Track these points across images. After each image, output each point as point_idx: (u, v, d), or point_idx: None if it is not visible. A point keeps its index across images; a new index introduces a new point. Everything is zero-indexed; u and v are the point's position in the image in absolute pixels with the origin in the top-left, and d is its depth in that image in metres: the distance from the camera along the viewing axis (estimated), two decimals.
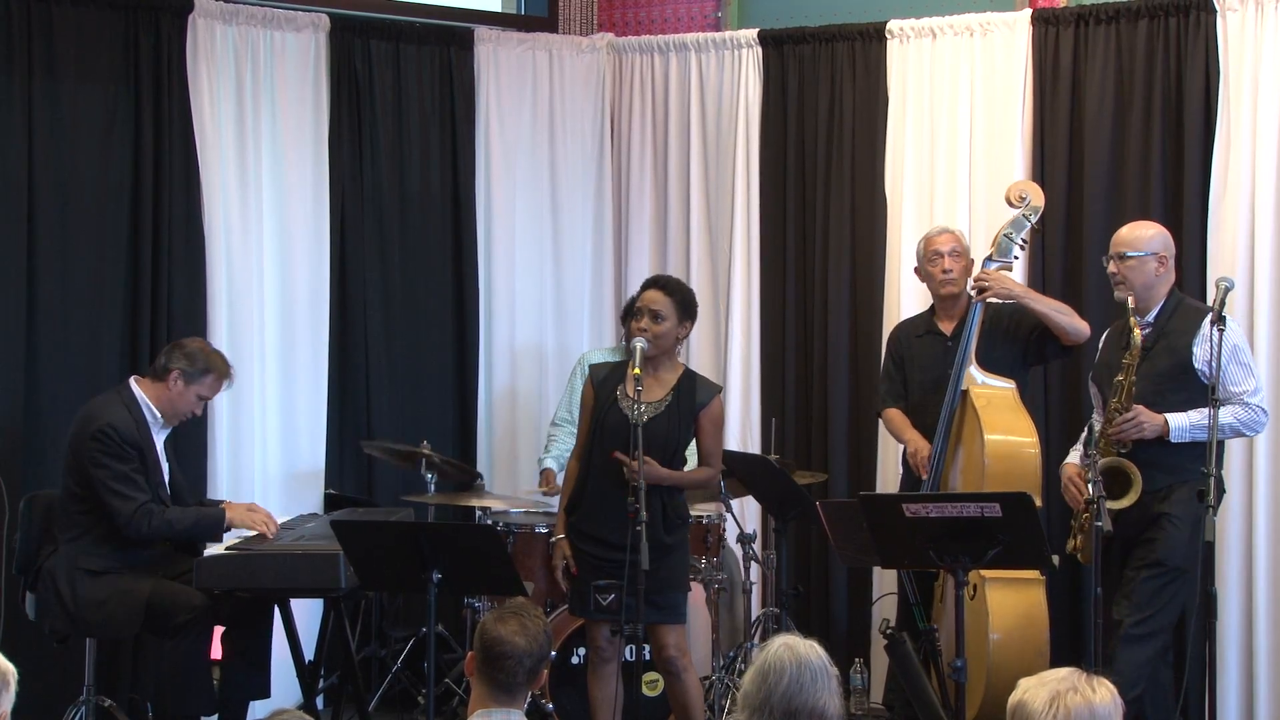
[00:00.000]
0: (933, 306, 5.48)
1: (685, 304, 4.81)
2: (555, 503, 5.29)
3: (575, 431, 5.29)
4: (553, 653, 4.61)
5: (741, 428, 6.40)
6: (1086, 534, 4.59)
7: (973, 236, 5.74)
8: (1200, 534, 4.41)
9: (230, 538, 4.87)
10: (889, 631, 4.49)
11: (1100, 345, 5.08)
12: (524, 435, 6.54)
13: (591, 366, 5.01)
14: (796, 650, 2.87)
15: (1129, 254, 4.82)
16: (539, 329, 6.63)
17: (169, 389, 4.82)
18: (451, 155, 6.45)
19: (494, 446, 6.54)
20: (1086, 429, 4.80)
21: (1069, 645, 5.27)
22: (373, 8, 6.40)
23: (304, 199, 6.09)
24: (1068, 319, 5.15)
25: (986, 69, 6.05)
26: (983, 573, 4.79)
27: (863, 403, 6.26)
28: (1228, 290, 4.63)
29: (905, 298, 6.05)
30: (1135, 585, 4.68)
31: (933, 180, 6.13)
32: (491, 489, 6.25)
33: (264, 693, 4.95)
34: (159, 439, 4.88)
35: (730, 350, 6.45)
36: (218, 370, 4.88)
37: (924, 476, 5.13)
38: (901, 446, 5.43)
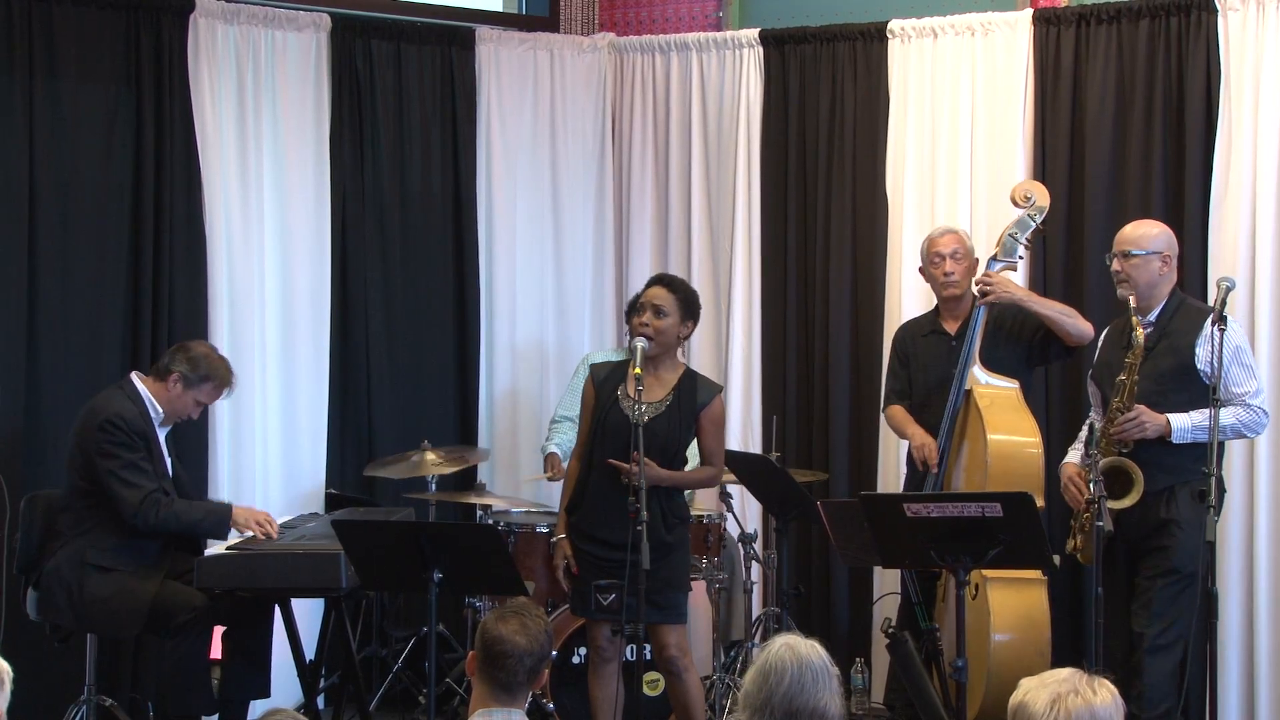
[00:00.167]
0: (937, 306, 5.48)
1: (688, 303, 4.81)
2: (556, 501, 5.29)
3: (576, 428, 5.31)
4: (554, 652, 4.61)
5: (742, 427, 6.40)
6: (1087, 534, 4.60)
7: (974, 236, 5.73)
8: (1212, 536, 4.39)
9: (232, 537, 4.87)
10: (891, 631, 4.49)
11: (1099, 343, 5.08)
12: (525, 434, 6.53)
13: (592, 366, 5.01)
14: (798, 650, 2.87)
15: (1133, 252, 4.81)
16: (540, 328, 6.63)
17: (168, 390, 4.82)
18: (453, 155, 6.45)
19: (495, 446, 6.53)
20: (1087, 428, 4.80)
21: (1070, 645, 5.27)
22: (374, 7, 6.40)
23: (305, 198, 6.09)
24: (1071, 321, 5.15)
25: (988, 69, 6.05)
26: (984, 573, 4.79)
27: (864, 402, 6.26)
28: (1229, 290, 4.63)
29: (906, 297, 6.05)
30: (1153, 595, 4.66)
31: (934, 180, 6.13)
32: (493, 488, 6.25)
33: (264, 692, 4.94)
34: (161, 434, 4.88)
35: (731, 349, 6.45)
36: (217, 379, 4.87)
37: (933, 470, 5.12)
38: (903, 445, 5.43)
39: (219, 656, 4.94)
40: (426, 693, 4.85)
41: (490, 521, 5.55)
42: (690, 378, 4.82)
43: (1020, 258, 5.29)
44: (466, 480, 6.18)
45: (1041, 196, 5.25)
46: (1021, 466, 4.93)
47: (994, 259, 5.24)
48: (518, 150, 6.56)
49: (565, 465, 5.72)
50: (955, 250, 5.31)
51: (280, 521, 5.03)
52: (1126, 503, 4.66)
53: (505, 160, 6.52)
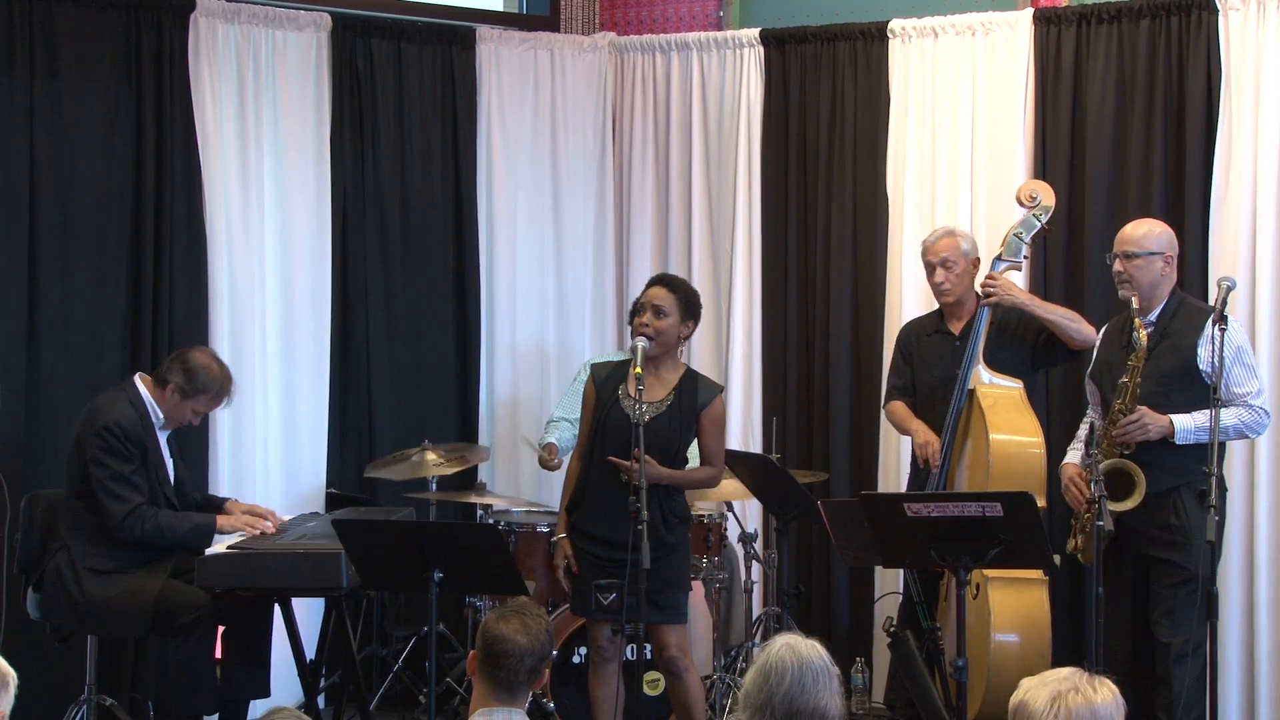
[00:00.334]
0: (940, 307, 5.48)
1: (689, 303, 4.81)
2: (556, 501, 5.29)
3: (573, 428, 5.31)
4: (554, 652, 4.61)
5: (743, 427, 6.40)
6: (1088, 534, 4.58)
7: (974, 236, 5.73)
8: (1212, 536, 4.37)
9: (233, 536, 4.87)
10: (893, 630, 4.49)
11: (1098, 341, 5.07)
12: (525, 434, 6.53)
13: (593, 366, 5.01)
14: (798, 650, 2.86)
15: (1136, 253, 4.79)
16: (540, 328, 6.63)
17: (166, 399, 4.83)
18: (453, 154, 6.44)
19: (495, 446, 6.53)
20: (1087, 427, 4.80)
21: (1070, 645, 5.26)
22: (374, 7, 6.39)
23: (306, 198, 6.09)
24: (1074, 326, 5.14)
25: (988, 68, 6.05)
26: (986, 572, 4.78)
27: (864, 401, 6.26)
28: (1230, 290, 4.62)
29: (906, 297, 6.06)
30: (1174, 604, 4.63)
31: (934, 179, 6.12)
32: (493, 488, 6.25)
33: (265, 692, 4.94)
34: (162, 436, 4.88)
35: (731, 349, 6.45)
36: (213, 392, 4.85)
37: (934, 469, 5.12)
38: (903, 445, 5.42)
39: (220, 655, 4.94)
40: (427, 692, 4.84)
41: (490, 521, 5.55)
42: (691, 378, 4.82)
43: (1025, 258, 5.29)
44: (467, 480, 6.18)
45: (1047, 196, 5.25)
46: (1024, 466, 4.92)
47: (998, 259, 5.24)
48: (518, 150, 6.56)
49: (563, 459, 5.74)
50: (947, 258, 5.29)
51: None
52: (1129, 505, 4.64)
53: (505, 160, 6.52)
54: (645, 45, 6.73)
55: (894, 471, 6.01)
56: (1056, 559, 4.40)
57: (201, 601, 4.67)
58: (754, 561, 5.59)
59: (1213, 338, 4.53)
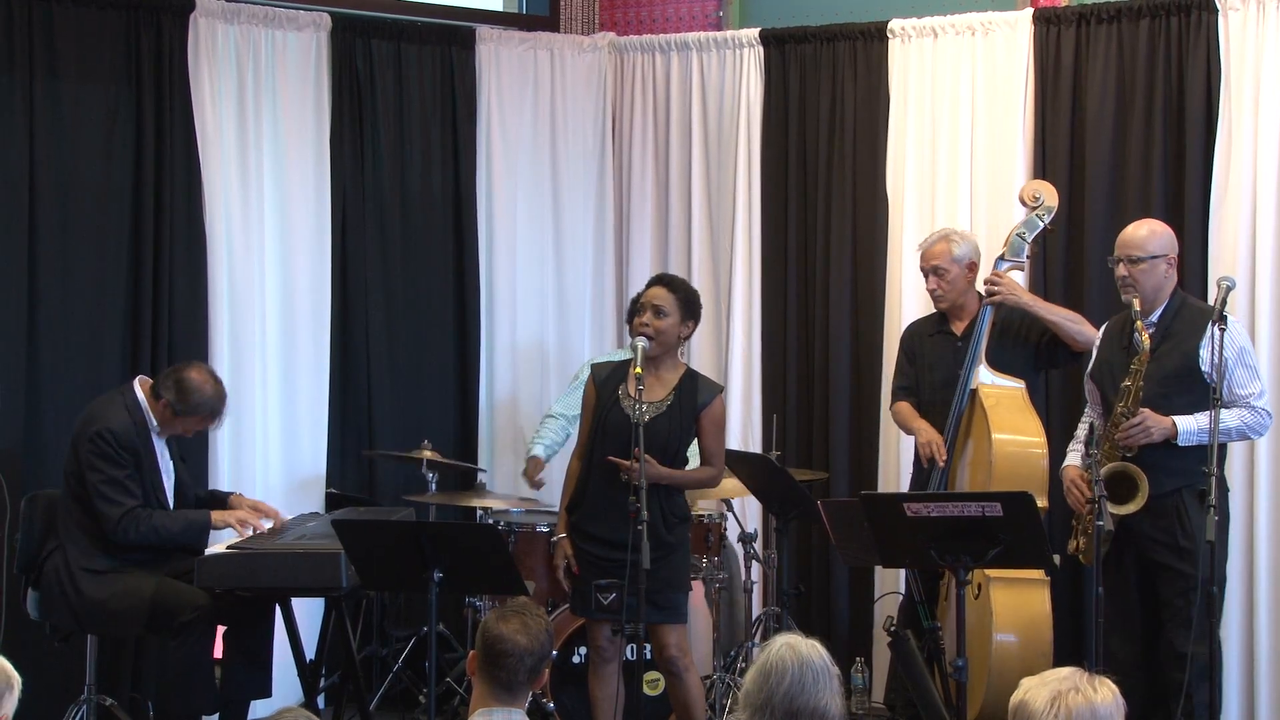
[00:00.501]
0: None
1: (689, 303, 4.81)
2: (556, 501, 5.29)
3: (569, 426, 5.28)
4: (554, 652, 4.61)
5: (742, 426, 6.40)
6: (1089, 534, 4.57)
7: (975, 237, 5.73)
8: (1212, 535, 4.36)
9: (232, 536, 4.87)
10: (893, 629, 4.49)
11: (1098, 341, 5.06)
12: (525, 434, 6.51)
13: (594, 365, 5.01)
14: (798, 650, 2.86)
15: (1141, 257, 4.75)
16: (540, 328, 6.63)
17: (159, 411, 4.83)
18: (453, 155, 6.45)
19: (495, 446, 6.53)
20: (1088, 428, 4.79)
21: (1071, 646, 5.26)
22: (374, 7, 6.40)
23: (305, 198, 6.09)
24: (1077, 327, 5.15)
25: (988, 68, 6.05)
26: (987, 572, 4.79)
27: (864, 401, 6.26)
28: (1229, 290, 4.61)
29: (906, 297, 6.05)
30: (1189, 613, 4.58)
31: (934, 179, 6.12)
32: (493, 488, 6.25)
33: (265, 692, 4.94)
34: (160, 440, 4.89)
35: (731, 349, 6.45)
36: (204, 412, 4.85)
37: (941, 463, 5.11)
38: (904, 444, 5.42)
39: (220, 655, 4.95)
40: (427, 692, 4.85)
41: (490, 521, 5.54)
42: (691, 378, 4.82)
43: (1028, 258, 5.29)
44: (467, 480, 6.18)
45: (1050, 197, 5.25)
46: (1025, 467, 4.93)
47: (1001, 259, 5.24)
48: (518, 150, 6.56)
49: (549, 463, 5.75)
50: (938, 265, 5.29)
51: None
52: (1131, 508, 4.62)
53: (505, 160, 6.52)
54: (645, 45, 6.73)
55: (894, 471, 6.01)
56: (1057, 559, 4.40)
57: (201, 601, 4.67)
58: (754, 561, 5.59)
59: (1213, 338, 4.51)
